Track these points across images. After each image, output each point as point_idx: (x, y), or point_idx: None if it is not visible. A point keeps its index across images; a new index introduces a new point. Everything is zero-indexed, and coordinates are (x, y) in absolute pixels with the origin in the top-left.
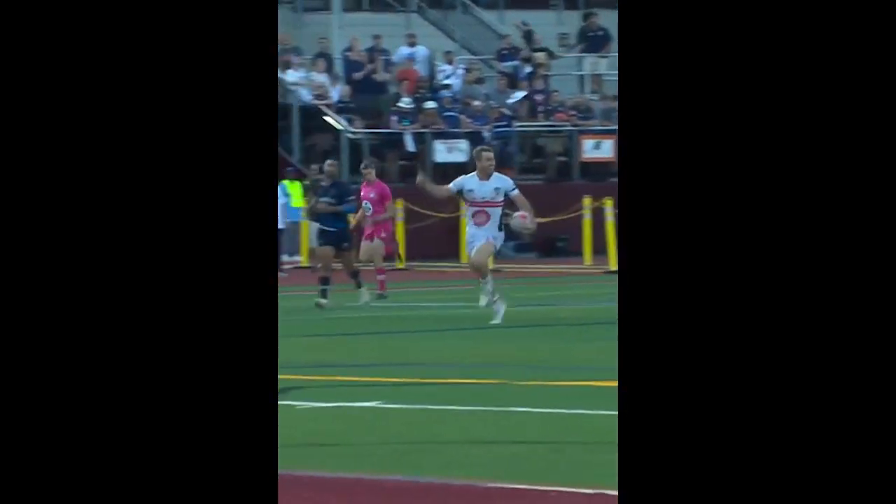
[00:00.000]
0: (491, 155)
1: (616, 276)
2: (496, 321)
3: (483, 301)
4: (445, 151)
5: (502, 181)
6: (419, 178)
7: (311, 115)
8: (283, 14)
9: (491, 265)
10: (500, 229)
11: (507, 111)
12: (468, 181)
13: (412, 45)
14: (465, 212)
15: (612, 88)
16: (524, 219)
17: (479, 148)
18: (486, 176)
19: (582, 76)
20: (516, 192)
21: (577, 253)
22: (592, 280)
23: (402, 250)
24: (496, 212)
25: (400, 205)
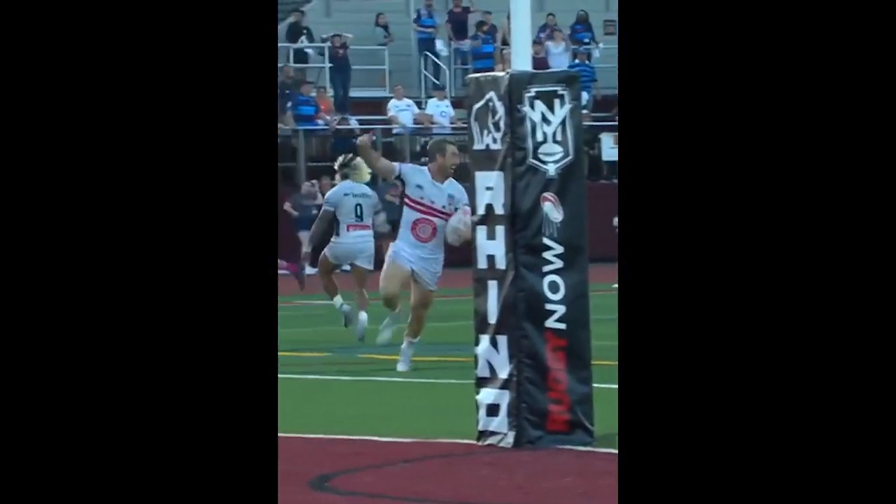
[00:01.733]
0: (457, 151)
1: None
2: (384, 341)
3: (384, 337)
4: None
5: (458, 190)
6: (362, 138)
7: None
8: None
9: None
10: (441, 250)
11: None
12: (418, 175)
13: None
14: (403, 216)
15: None
16: (466, 216)
17: (442, 139)
18: (443, 177)
19: None
20: (468, 206)
21: None
22: None
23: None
24: (443, 226)
25: None
